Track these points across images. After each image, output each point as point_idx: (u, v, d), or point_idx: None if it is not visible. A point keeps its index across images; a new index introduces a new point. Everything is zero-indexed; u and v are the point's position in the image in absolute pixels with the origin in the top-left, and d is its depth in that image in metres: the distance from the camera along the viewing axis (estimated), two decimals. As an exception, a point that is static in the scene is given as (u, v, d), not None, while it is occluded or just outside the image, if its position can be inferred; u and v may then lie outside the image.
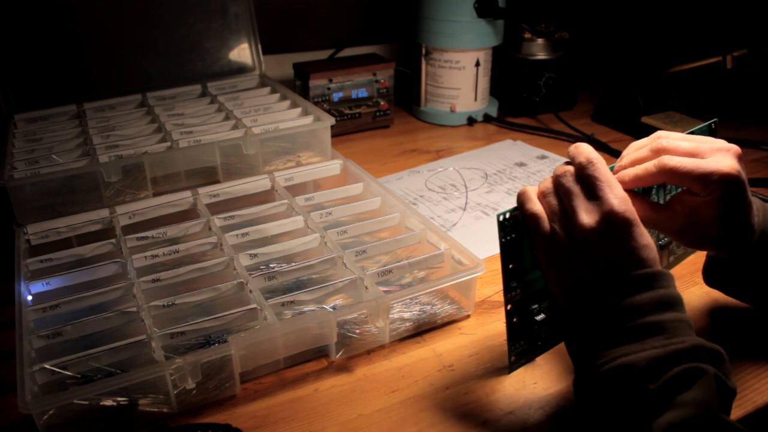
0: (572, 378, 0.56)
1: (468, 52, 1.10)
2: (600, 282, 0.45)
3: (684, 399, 0.40)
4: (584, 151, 0.49)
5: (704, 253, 0.61)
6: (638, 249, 0.45)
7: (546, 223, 0.49)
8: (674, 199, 0.53)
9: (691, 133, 0.57)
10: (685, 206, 0.52)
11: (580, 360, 0.46)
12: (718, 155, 0.50)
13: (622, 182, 0.50)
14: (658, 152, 0.51)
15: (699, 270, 0.63)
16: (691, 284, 0.68)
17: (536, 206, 0.49)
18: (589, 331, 0.46)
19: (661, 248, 0.65)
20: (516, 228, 0.51)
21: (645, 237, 0.46)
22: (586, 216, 0.46)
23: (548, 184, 0.50)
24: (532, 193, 0.50)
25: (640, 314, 0.43)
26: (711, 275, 0.61)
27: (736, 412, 0.52)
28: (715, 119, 0.62)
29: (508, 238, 0.51)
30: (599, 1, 1.30)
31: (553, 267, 0.49)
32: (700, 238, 0.53)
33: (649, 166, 0.50)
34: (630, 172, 0.51)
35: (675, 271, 0.68)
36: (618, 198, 0.46)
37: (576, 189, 0.48)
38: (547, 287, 0.56)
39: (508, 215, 0.50)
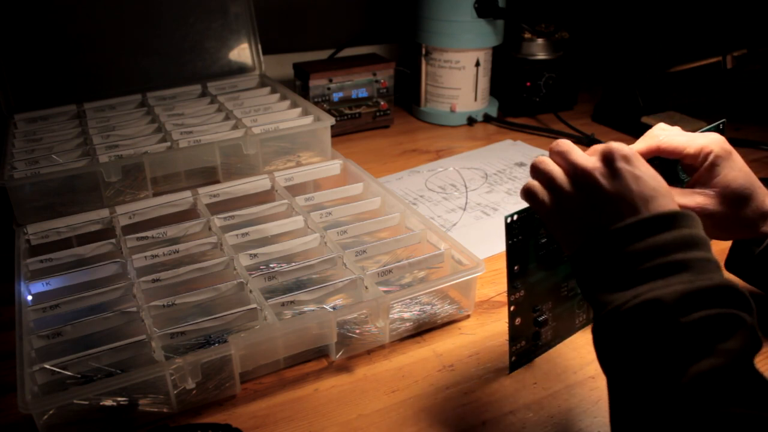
0: (573, 377, 0.56)
1: (468, 52, 1.10)
2: (616, 223, 0.43)
3: (724, 347, 0.37)
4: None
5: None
6: (647, 183, 0.44)
7: (539, 191, 0.49)
8: (694, 181, 0.54)
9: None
10: (703, 185, 0.54)
11: (599, 306, 0.43)
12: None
13: None
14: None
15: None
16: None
17: (531, 181, 0.50)
18: (607, 273, 0.43)
19: None
20: (523, 230, 0.51)
21: (650, 171, 0.45)
22: (586, 159, 0.46)
23: (541, 158, 0.50)
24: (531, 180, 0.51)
25: (662, 253, 0.41)
26: (734, 261, 0.61)
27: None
28: (723, 120, 0.62)
29: (515, 240, 0.51)
30: (599, 1, 1.30)
31: (560, 219, 0.47)
32: (725, 219, 0.54)
33: (641, 141, 0.54)
34: None
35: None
36: (613, 142, 0.46)
37: (572, 146, 0.48)
38: (550, 289, 0.56)
39: (515, 217, 0.50)
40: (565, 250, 0.48)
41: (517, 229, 0.51)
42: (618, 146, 0.46)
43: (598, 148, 0.47)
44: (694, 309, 0.39)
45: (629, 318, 0.40)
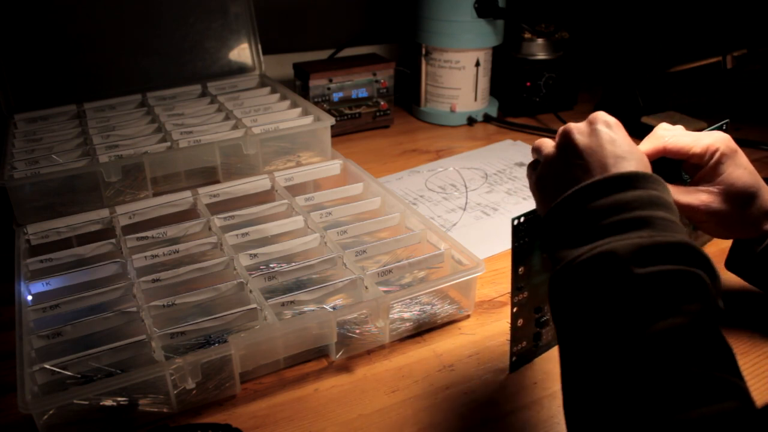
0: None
1: (468, 52, 1.10)
2: (581, 184, 0.43)
3: (685, 307, 0.36)
4: None
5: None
6: (621, 146, 0.45)
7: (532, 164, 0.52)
8: (698, 179, 0.55)
9: None
10: (707, 183, 0.54)
11: (556, 262, 0.42)
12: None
13: None
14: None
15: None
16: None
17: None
18: (568, 230, 0.43)
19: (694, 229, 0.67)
20: (529, 232, 0.51)
21: (626, 137, 0.47)
22: (567, 124, 0.48)
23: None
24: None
25: (624, 209, 0.41)
26: (734, 260, 0.62)
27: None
28: (726, 120, 0.62)
29: (521, 242, 0.51)
30: (599, 1, 1.30)
31: (541, 185, 0.49)
32: (726, 217, 0.54)
33: (646, 142, 0.54)
34: None
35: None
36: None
37: (566, 124, 0.50)
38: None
39: (522, 219, 0.50)
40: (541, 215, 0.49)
41: (523, 231, 0.50)
42: (603, 113, 0.47)
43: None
44: (649, 263, 0.37)
45: (583, 271, 0.39)
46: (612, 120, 0.47)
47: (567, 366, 0.40)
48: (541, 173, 0.49)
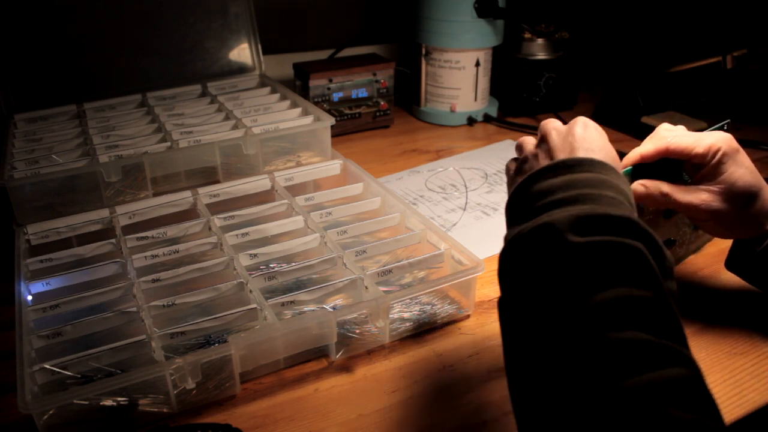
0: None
1: (468, 52, 1.10)
2: (537, 168, 0.45)
3: (625, 279, 0.35)
4: None
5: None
6: (587, 141, 0.46)
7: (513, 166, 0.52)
8: (699, 178, 0.55)
9: None
10: (708, 182, 0.54)
11: (506, 238, 0.43)
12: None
13: (629, 160, 0.55)
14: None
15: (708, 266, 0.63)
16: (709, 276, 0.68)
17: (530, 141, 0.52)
18: (518, 211, 0.43)
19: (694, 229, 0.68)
20: None
21: (597, 137, 0.47)
22: (553, 126, 0.49)
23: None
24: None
25: (572, 187, 0.41)
26: (734, 260, 0.62)
27: (737, 412, 0.52)
28: (728, 120, 0.62)
29: None
30: (599, 1, 1.30)
31: (515, 177, 0.50)
32: (727, 217, 0.55)
33: (649, 143, 0.55)
34: (635, 151, 0.56)
35: (697, 260, 0.68)
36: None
37: (550, 121, 0.50)
38: None
39: None
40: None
41: None
42: (585, 118, 0.48)
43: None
44: (587, 233, 0.37)
45: (524, 243, 0.39)
46: (591, 123, 0.48)
47: (511, 342, 0.39)
48: (517, 168, 0.50)
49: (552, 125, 0.49)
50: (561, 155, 0.46)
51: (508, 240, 0.41)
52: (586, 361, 0.33)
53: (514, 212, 0.45)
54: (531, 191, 0.43)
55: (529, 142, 0.51)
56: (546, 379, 0.35)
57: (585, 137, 0.46)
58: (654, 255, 0.38)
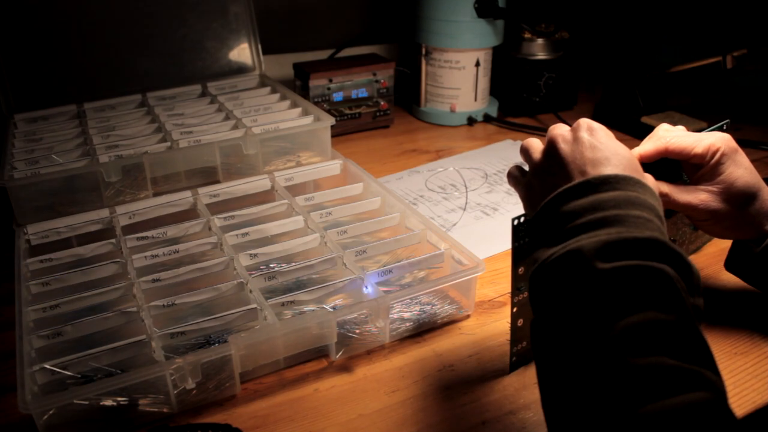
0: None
1: (468, 52, 1.10)
2: (558, 188, 0.44)
3: (651, 303, 0.36)
4: None
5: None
6: (603, 152, 0.45)
7: (519, 174, 0.52)
8: (698, 178, 0.55)
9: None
10: (707, 182, 0.54)
11: (534, 261, 0.43)
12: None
13: None
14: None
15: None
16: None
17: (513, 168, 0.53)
18: (545, 233, 0.44)
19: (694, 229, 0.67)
20: (529, 232, 0.51)
21: (611, 142, 0.47)
22: (557, 128, 0.49)
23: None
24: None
25: (598, 209, 0.41)
26: (733, 261, 0.62)
27: (737, 412, 0.52)
28: (727, 120, 0.62)
29: (521, 242, 0.51)
30: (599, 1, 1.30)
31: (528, 192, 0.50)
32: (726, 218, 0.55)
33: (648, 143, 0.55)
34: (634, 151, 0.54)
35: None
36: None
37: (559, 124, 0.50)
38: None
39: (522, 219, 0.50)
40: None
41: (523, 232, 0.50)
42: (587, 120, 0.48)
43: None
44: (614, 258, 0.38)
45: (554, 269, 0.40)
46: (596, 125, 0.47)
47: (541, 363, 0.40)
48: (528, 182, 0.50)
49: (558, 131, 0.48)
50: (573, 167, 0.45)
51: (539, 264, 0.42)
52: (609, 386, 0.34)
53: (540, 233, 0.45)
54: (557, 212, 0.43)
55: (536, 148, 0.50)
56: (574, 401, 0.36)
57: (595, 144, 0.46)
58: (682, 273, 0.38)
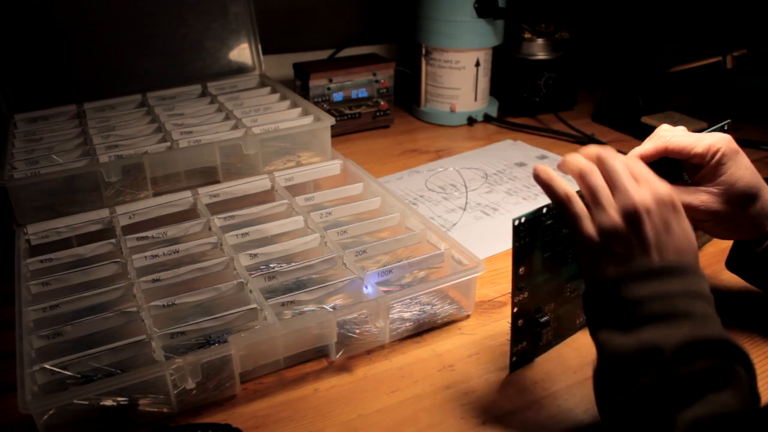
0: (573, 377, 0.56)
1: (468, 52, 1.10)
2: (630, 267, 0.44)
3: (716, 398, 0.39)
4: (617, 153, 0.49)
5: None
6: (678, 236, 0.45)
7: (578, 203, 0.47)
8: (699, 179, 0.55)
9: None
10: (708, 183, 0.54)
11: (602, 344, 0.44)
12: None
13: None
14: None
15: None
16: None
17: (567, 188, 0.48)
18: (615, 313, 0.44)
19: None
20: (530, 233, 0.51)
21: (688, 228, 0.46)
22: (638, 193, 0.45)
23: (586, 162, 0.48)
24: (559, 179, 0.49)
25: (667, 301, 0.42)
26: (734, 261, 0.61)
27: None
28: (728, 120, 0.62)
29: (522, 242, 0.51)
30: (599, 1, 1.30)
31: (588, 248, 0.46)
32: (727, 219, 0.55)
33: (648, 143, 0.54)
34: (634, 151, 0.54)
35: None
36: (668, 185, 0.46)
37: (624, 168, 0.46)
38: (553, 290, 0.56)
39: (523, 219, 0.50)
40: (584, 276, 0.48)
41: (524, 232, 0.50)
42: (672, 194, 0.45)
43: (646, 177, 0.46)
44: (692, 359, 0.40)
45: (630, 363, 0.42)
46: (679, 204, 0.46)
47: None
48: (601, 239, 0.46)
49: (641, 199, 0.44)
50: (653, 248, 0.44)
51: (613, 352, 0.43)
52: None
53: (603, 309, 0.45)
54: (624, 292, 0.44)
55: (607, 201, 0.46)
56: None
57: (674, 229, 0.45)
58: (747, 368, 0.41)
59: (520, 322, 0.54)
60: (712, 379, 0.39)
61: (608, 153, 0.48)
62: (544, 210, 0.51)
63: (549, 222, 0.52)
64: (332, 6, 1.25)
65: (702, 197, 0.54)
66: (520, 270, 0.52)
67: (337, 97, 1.07)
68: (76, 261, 0.66)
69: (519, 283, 0.52)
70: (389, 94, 1.11)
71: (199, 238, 0.68)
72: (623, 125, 1.11)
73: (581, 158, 0.49)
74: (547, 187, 0.48)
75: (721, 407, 0.38)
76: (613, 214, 0.45)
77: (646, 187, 0.45)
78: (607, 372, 0.44)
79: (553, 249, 0.54)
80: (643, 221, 0.44)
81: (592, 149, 0.49)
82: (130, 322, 0.57)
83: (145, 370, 0.50)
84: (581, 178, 0.47)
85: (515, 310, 0.53)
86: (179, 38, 1.01)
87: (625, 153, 0.56)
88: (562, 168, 0.49)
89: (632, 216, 0.44)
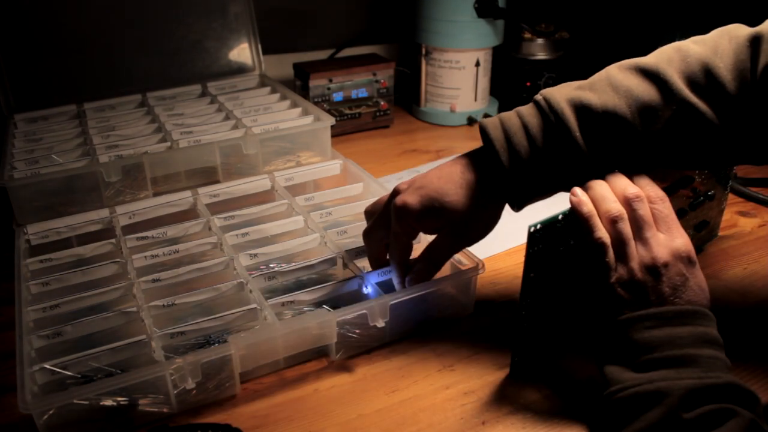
0: (572, 379, 0.56)
1: (468, 52, 1.10)
2: (644, 313, 0.47)
3: None
4: (651, 182, 0.52)
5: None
6: (692, 288, 0.48)
7: (611, 252, 0.49)
8: None
9: None
10: None
11: (609, 379, 0.47)
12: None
13: None
14: None
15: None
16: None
17: (604, 234, 0.50)
18: (624, 352, 0.47)
19: None
20: (544, 239, 0.51)
21: (701, 277, 0.49)
22: (658, 249, 0.48)
23: (618, 207, 0.50)
24: (597, 219, 0.50)
25: (676, 345, 0.45)
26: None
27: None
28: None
29: (536, 248, 0.51)
30: (599, 1, 1.30)
31: (608, 292, 0.49)
32: None
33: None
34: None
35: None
36: (685, 237, 0.49)
37: (651, 220, 0.49)
38: (561, 297, 0.55)
39: (539, 226, 0.50)
40: (599, 311, 0.50)
41: (539, 239, 0.50)
42: (690, 245, 0.49)
43: (668, 223, 0.49)
44: (698, 404, 0.42)
45: (634, 402, 0.44)
46: (693, 256, 0.49)
47: None
48: (620, 287, 0.49)
49: (669, 252, 0.48)
50: (668, 297, 0.47)
51: (619, 392, 0.45)
52: None
53: (614, 347, 0.48)
54: (635, 334, 0.47)
55: (633, 253, 0.49)
56: None
57: (689, 281, 0.48)
58: (755, 409, 0.43)
59: (526, 325, 0.54)
60: (714, 420, 0.41)
61: (636, 195, 0.50)
62: (560, 217, 0.51)
63: (563, 229, 0.52)
64: (332, 6, 1.25)
65: None
66: (531, 275, 0.52)
67: (337, 97, 1.07)
68: (76, 261, 0.66)
69: (529, 287, 0.52)
70: (389, 94, 1.11)
71: (199, 238, 0.68)
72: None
73: (610, 196, 0.50)
74: (587, 223, 0.50)
75: None
76: (635, 267, 0.48)
77: (667, 241, 0.49)
78: (615, 407, 0.45)
79: (564, 256, 0.53)
80: (662, 276, 0.48)
81: (620, 183, 0.51)
82: (130, 322, 0.57)
83: (145, 370, 0.50)
84: (611, 223, 0.49)
85: (523, 313, 0.53)
86: (179, 38, 1.01)
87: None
88: (592, 198, 0.51)
89: (652, 271, 0.48)
